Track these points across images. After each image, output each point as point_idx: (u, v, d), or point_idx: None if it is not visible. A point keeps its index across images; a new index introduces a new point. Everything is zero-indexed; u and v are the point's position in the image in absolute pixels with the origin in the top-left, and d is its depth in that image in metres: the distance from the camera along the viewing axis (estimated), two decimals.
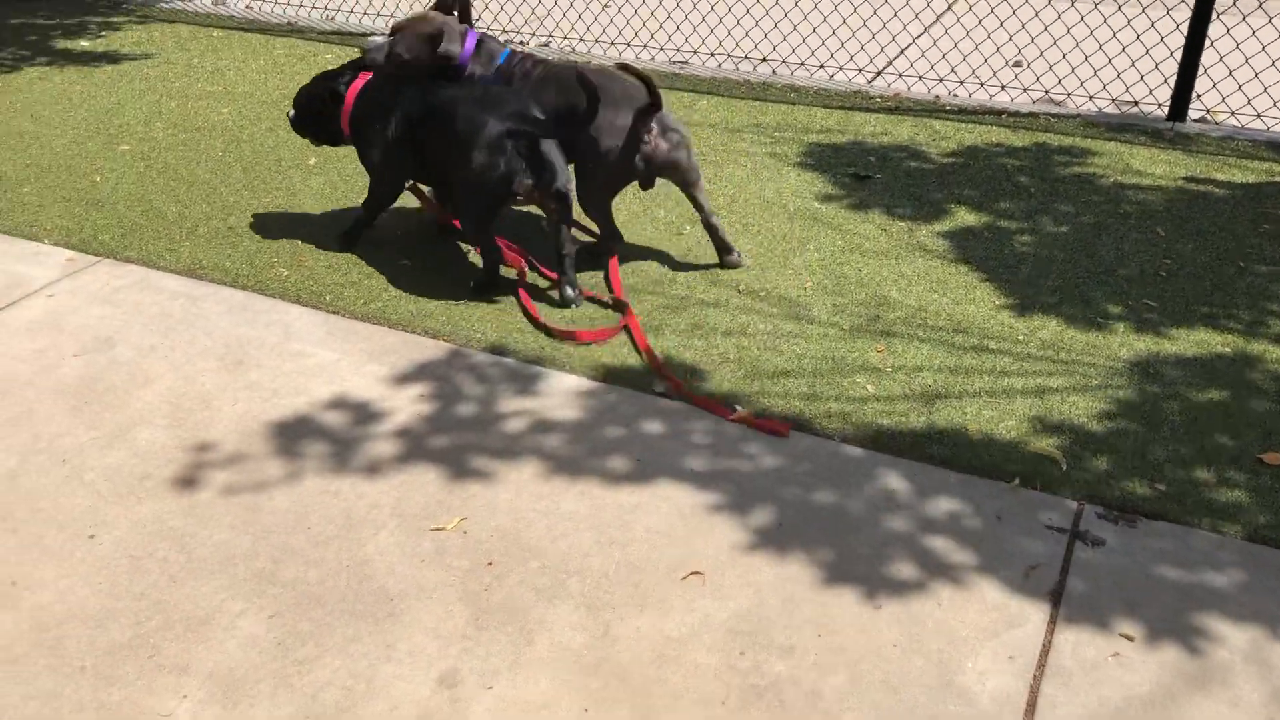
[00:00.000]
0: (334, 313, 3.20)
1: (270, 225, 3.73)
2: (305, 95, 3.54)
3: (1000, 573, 2.21)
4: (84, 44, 5.69)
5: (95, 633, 2.09)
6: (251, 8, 6.53)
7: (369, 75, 3.48)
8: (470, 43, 3.41)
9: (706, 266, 3.44)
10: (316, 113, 3.51)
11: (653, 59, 5.48)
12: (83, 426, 2.69)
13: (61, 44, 5.69)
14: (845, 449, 2.58)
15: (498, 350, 3.00)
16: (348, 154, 4.29)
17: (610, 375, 2.87)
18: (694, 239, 3.62)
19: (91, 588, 2.20)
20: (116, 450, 2.60)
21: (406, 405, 2.77)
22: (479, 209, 3.21)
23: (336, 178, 4.12)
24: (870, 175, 4.09)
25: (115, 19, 6.18)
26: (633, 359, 2.95)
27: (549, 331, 3.07)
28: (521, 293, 3.24)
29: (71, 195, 3.96)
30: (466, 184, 3.17)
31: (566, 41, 5.76)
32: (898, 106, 4.80)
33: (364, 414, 2.74)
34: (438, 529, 2.35)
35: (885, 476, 2.49)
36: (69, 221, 3.76)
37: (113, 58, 5.47)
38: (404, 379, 2.88)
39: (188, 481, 2.50)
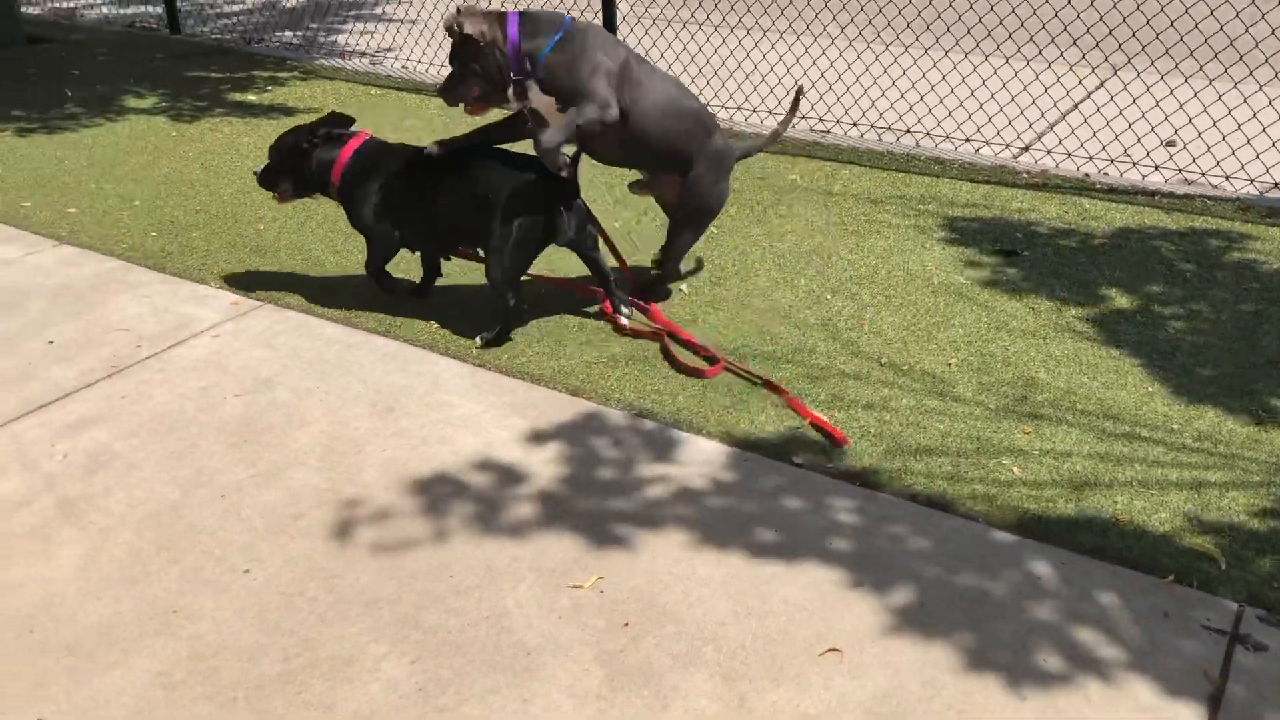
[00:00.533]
0: (479, 366, 3.30)
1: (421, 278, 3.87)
2: (289, 145, 3.62)
3: (1154, 672, 2.13)
4: (252, 98, 6.04)
5: (247, 665, 2.18)
6: (406, 67, 6.83)
7: (365, 135, 3.62)
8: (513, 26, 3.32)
9: (848, 336, 3.44)
10: (299, 160, 3.58)
11: (794, 127, 5.54)
12: (242, 464, 2.82)
13: (232, 97, 6.04)
14: (991, 532, 2.54)
15: (637, 412, 3.04)
16: None
17: (749, 443, 2.89)
18: (835, 307, 3.63)
19: (245, 621, 2.30)
20: (272, 489, 2.72)
21: (547, 461, 2.82)
22: (519, 264, 3.38)
23: None
24: (1017, 252, 4.04)
25: (281, 74, 6.54)
26: (771, 427, 2.96)
27: (699, 373, 3.14)
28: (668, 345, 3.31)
29: (237, 241, 4.18)
30: (507, 241, 3.31)
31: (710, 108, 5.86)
32: (1045, 183, 4.74)
33: (505, 467, 2.80)
34: (575, 586, 2.38)
35: (1032, 562, 2.43)
36: (234, 266, 3.97)
37: (277, 112, 5.78)
38: (545, 434, 2.94)
39: (338, 524, 2.60)
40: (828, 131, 5.47)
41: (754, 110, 5.78)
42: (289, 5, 8.67)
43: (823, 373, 3.24)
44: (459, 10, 3.40)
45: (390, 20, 8.17)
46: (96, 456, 2.86)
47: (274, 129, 5.46)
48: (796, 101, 3.71)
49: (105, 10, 8.47)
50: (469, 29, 3.33)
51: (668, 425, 2.98)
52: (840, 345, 3.40)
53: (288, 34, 7.73)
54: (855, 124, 5.58)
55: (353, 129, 3.67)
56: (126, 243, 4.16)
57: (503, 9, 3.40)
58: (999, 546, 2.49)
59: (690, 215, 3.62)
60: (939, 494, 2.67)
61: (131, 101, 5.93)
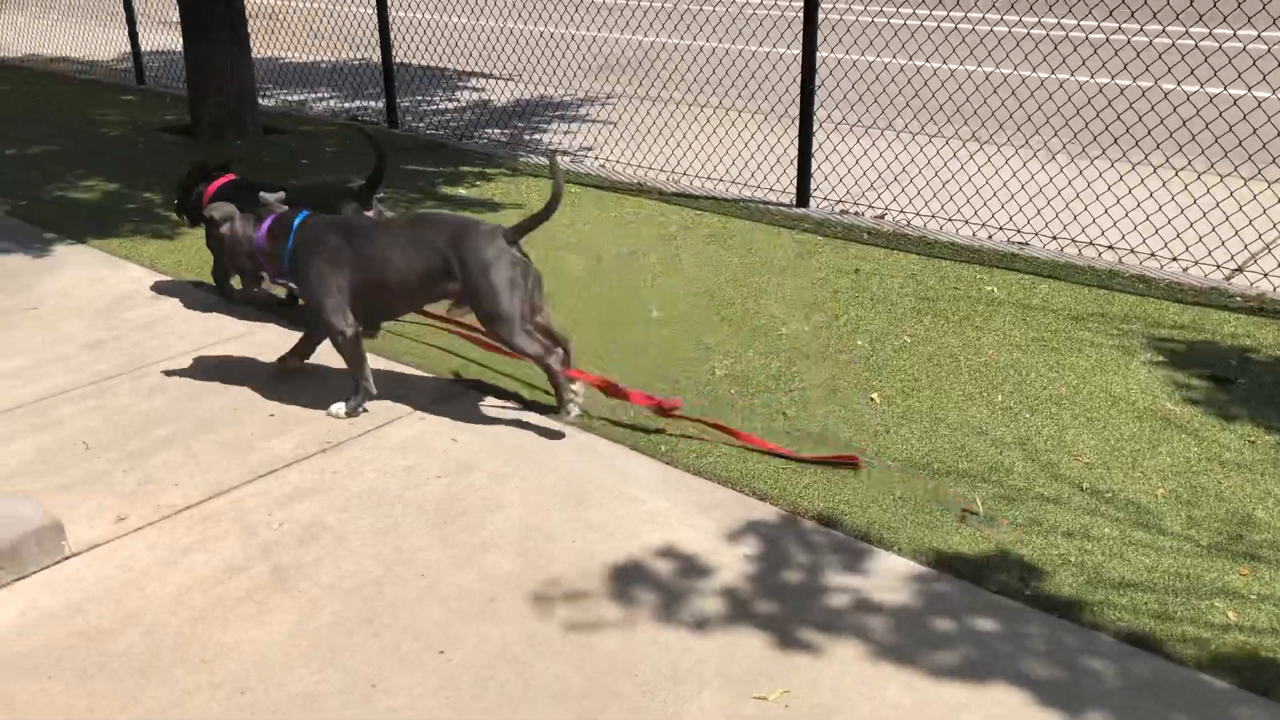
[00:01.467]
0: (668, 463, 3.36)
1: (616, 371, 3.99)
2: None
3: None
4: (463, 192, 6.39)
5: None
6: (605, 166, 7.10)
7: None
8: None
9: (1047, 458, 3.35)
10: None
11: (990, 238, 5.48)
12: (440, 544, 2.95)
13: (445, 190, 6.41)
14: (1200, 677, 2.40)
15: (825, 520, 3.04)
16: (691, 312, 4.54)
17: (942, 561, 2.83)
18: (1033, 426, 3.54)
19: (439, 700, 2.38)
20: (468, 571, 2.83)
21: (733, 563, 2.84)
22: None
23: (675, 332, 4.36)
24: (1231, 379, 3.86)
25: (489, 170, 6.91)
26: (965, 546, 2.90)
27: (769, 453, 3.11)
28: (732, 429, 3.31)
29: (442, 333, 4.41)
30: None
31: (903, 216, 5.87)
32: (1262, 308, 4.53)
33: (692, 567, 2.83)
34: (760, 697, 2.37)
35: (1248, 715, 2.28)
36: (439, 353, 4.18)
37: (485, 206, 6.10)
38: (732, 536, 2.96)
39: (529, 611, 2.67)
40: (1026, 244, 5.39)
41: (949, 219, 5.75)
42: (498, 104, 9.18)
43: (1019, 494, 3.16)
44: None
45: (590, 121, 8.53)
46: (309, 528, 3.04)
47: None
48: (553, 164, 3.63)
49: (331, 103, 9.16)
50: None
51: (857, 537, 2.96)
52: (1038, 466, 3.31)
53: (495, 131, 8.17)
54: (1055, 237, 5.48)
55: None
56: None
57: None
58: (1212, 694, 2.35)
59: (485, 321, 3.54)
60: (1144, 631, 2.55)
61: None
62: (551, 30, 12.24)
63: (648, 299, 4.71)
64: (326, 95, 9.52)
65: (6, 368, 4.05)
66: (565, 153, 7.41)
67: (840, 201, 6.18)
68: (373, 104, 8.89)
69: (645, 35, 10.79)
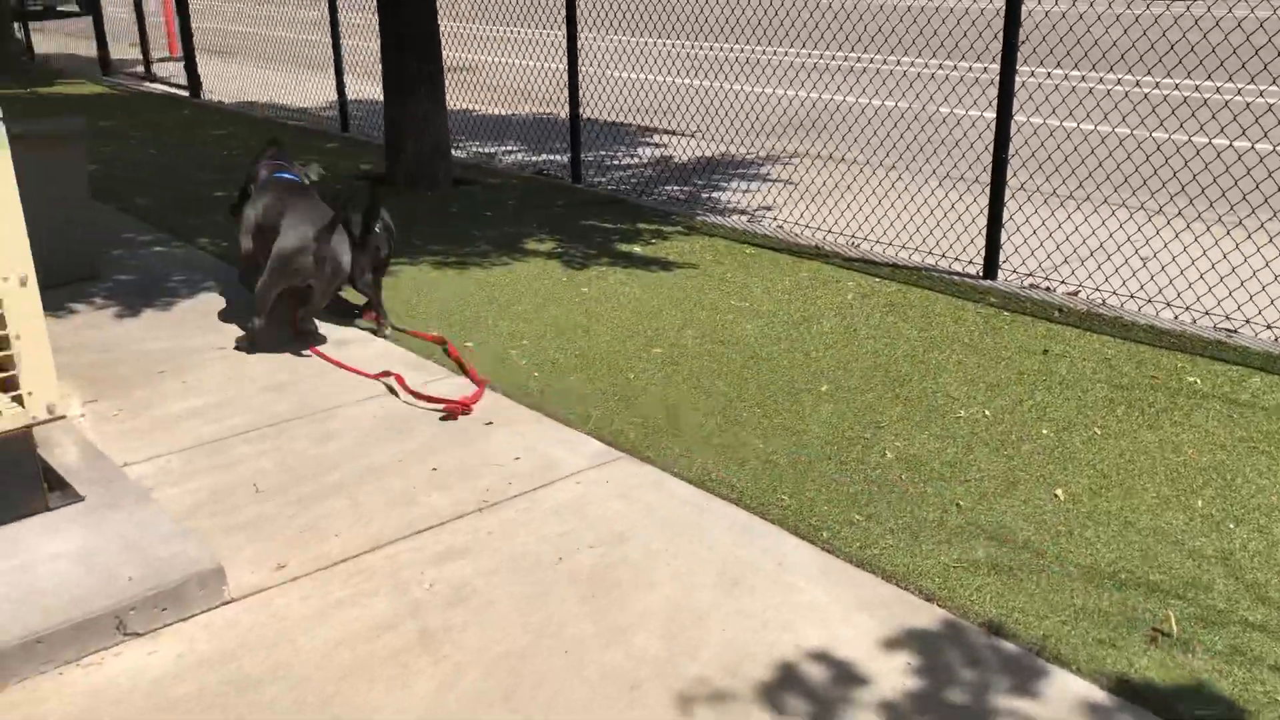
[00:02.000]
0: (829, 550, 3.21)
1: (777, 449, 3.86)
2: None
3: None
4: (637, 249, 6.41)
5: None
6: (782, 227, 7.01)
7: None
8: None
9: (1255, 577, 3.03)
10: None
11: (1194, 322, 5.10)
12: (588, 618, 2.88)
13: (619, 247, 6.44)
14: None
15: (996, 629, 2.82)
16: (863, 386, 4.38)
17: (1126, 688, 2.58)
18: (1238, 539, 3.22)
19: None
20: (614, 650, 2.74)
21: (893, 674, 2.66)
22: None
23: (845, 407, 4.20)
24: None
25: (665, 229, 6.91)
26: (1154, 670, 2.63)
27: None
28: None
29: (606, 389, 4.38)
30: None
31: (1098, 293, 5.54)
32: None
33: (848, 674, 2.67)
34: None
35: None
36: (601, 413, 4.15)
37: (658, 265, 6.09)
38: (892, 641, 2.79)
39: (673, 701, 2.56)
40: (1235, 331, 4.99)
41: (1148, 299, 5.39)
42: (680, 160, 9.23)
43: (1219, 616, 2.86)
44: None
45: (771, 180, 8.47)
46: (459, 589, 3.03)
47: (653, 281, 5.74)
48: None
49: (519, 156, 9.40)
50: None
51: (1031, 651, 2.73)
52: (1243, 586, 3.00)
53: (675, 188, 8.20)
54: (1269, 325, 5.05)
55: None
56: (512, 380, 4.47)
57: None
58: None
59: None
60: None
61: (531, 244, 6.47)
62: (738, 88, 12.27)
63: (818, 370, 4.57)
64: (515, 149, 9.78)
65: (195, 405, 4.23)
66: (743, 212, 7.36)
67: (1030, 275, 5.89)
68: (558, 158, 9.07)
69: (832, 94, 10.68)
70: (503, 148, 9.75)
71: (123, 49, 15.72)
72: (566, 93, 8.14)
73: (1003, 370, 4.55)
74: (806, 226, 6.94)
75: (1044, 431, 3.99)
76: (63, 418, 3.20)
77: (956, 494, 3.56)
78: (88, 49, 14.69)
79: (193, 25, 12.71)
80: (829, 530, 3.32)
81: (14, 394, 3.10)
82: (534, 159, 9.25)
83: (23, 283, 3.04)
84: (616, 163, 9.19)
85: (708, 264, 6.09)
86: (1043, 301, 5.42)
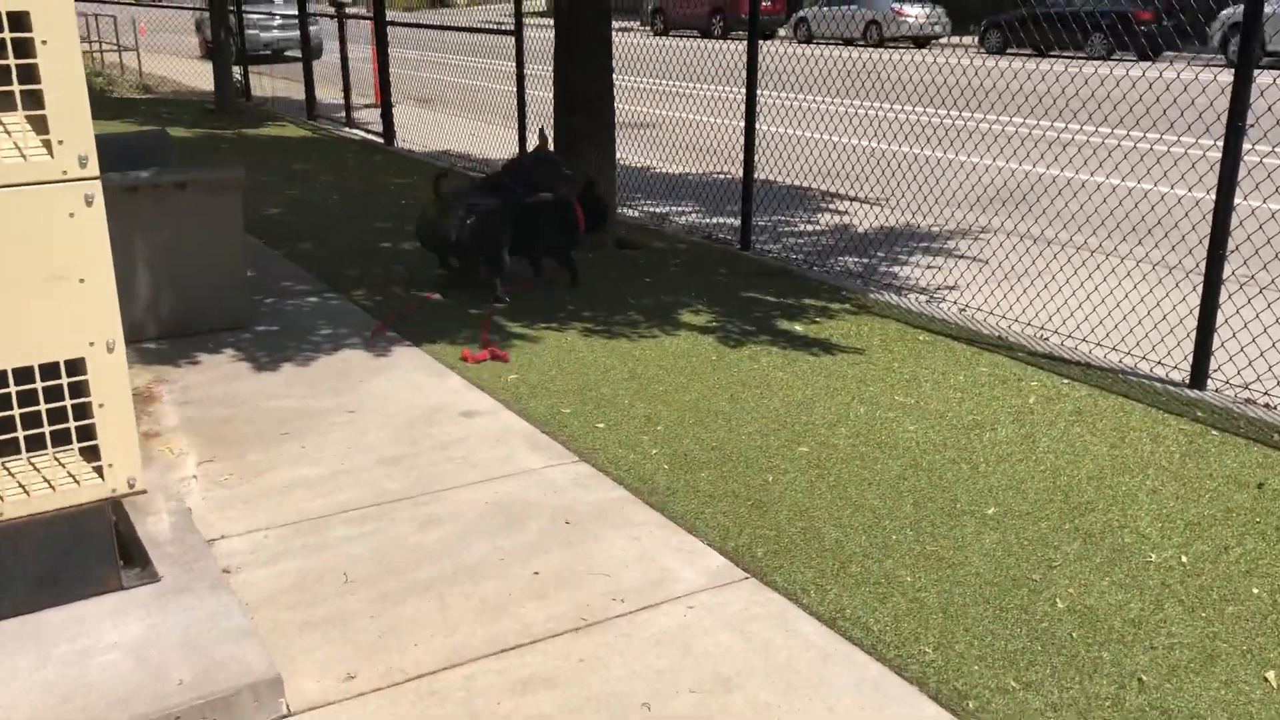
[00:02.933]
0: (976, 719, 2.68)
1: (926, 584, 3.35)
2: None
3: None
4: (798, 328, 5.96)
5: None
6: (964, 311, 6.43)
7: None
8: None
9: None
10: None
11: None
12: None
13: (780, 324, 6.01)
14: None
15: None
16: (1036, 513, 3.81)
17: None
18: None
19: None
20: None
21: None
22: None
23: (1013, 538, 3.64)
24: None
25: (833, 305, 6.44)
26: None
27: None
28: None
29: (740, 491, 3.96)
30: None
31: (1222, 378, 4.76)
32: None
33: None
34: None
35: None
36: (729, 520, 3.73)
37: (819, 347, 5.63)
38: None
39: None
40: None
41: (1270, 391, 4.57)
42: (859, 230, 8.74)
43: None
44: None
45: (956, 256, 7.87)
46: None
47: (810, 366, 5.28)
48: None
49: (691, 218, 9.11)
50: None
51: None
52: None
53: (851, 260, 7.72)
54: None
55: None
56: (638, 472, 4.11)
57: None
58: None
59: None
60: None
61: (686, 316, 6.12)
62: (928, 153, 11.67)
63: (984, 488, 4.01)
64: (688, 209, 9.49)
65: (307, 475, 4.04)
66: (922, 291, 6.81)
67: (1247, 387, 5.13)
68: (730, 220, 8.72)
69: (1033, 165, 9.97)
70: (675, 207, 9.48)
71: (334, 92, 16.40)
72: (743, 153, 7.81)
73: (1206, 505, 3.89)
74: (990, 313, 6.34)
75: (1254, 590, 3.33)
76: (143, 492, 3.01)
77: (1139, 664, 2.96)
78: (302, 91, 15.37)
79: (402, 73, 13.04)
80: (977, 699, 2.79)
81: (95, 464, 2.94)
82: (706, 221, 8.93)
83: (110, 348, 2.88)
84: (791, 229, 8.78)
85: (875, 350, 5.59)
86: (1260, 421, 4.69)
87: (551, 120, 7.62)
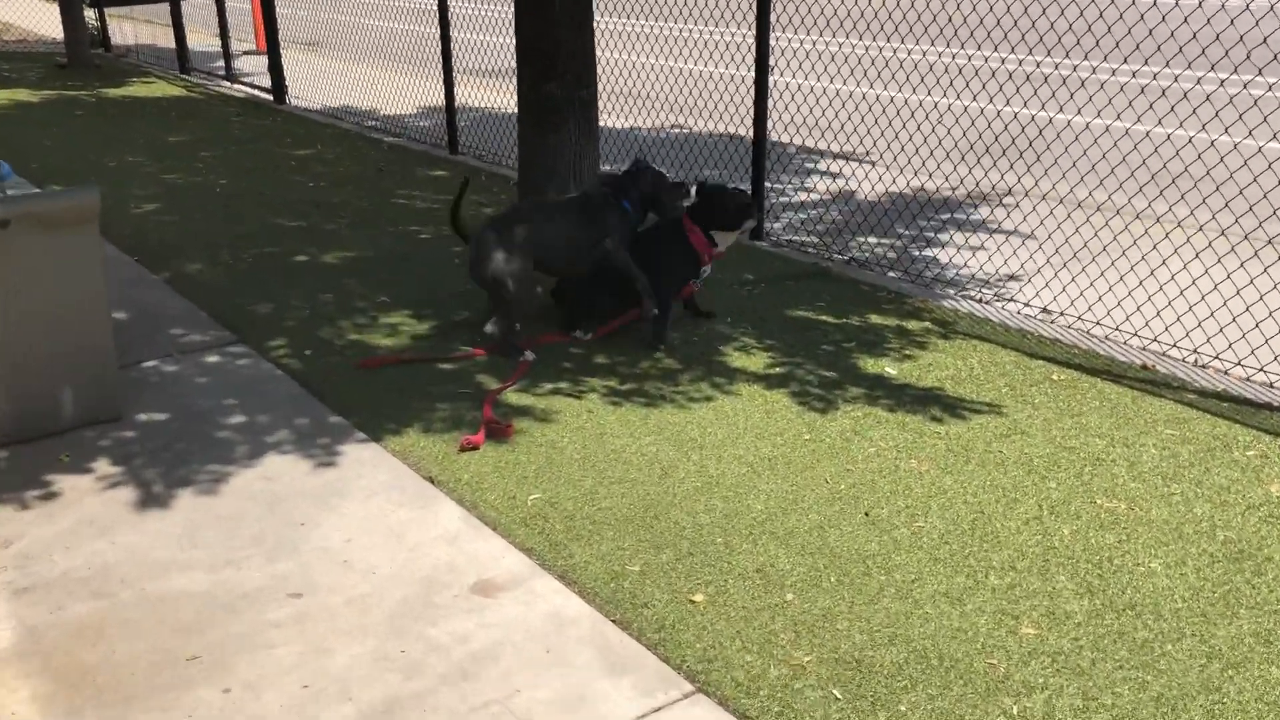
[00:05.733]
0: None
1: None
2: None
3: None
4: (889, 367, 4.35)
5: None
6: (1058, 318, 4.92)
7: None
8: None
9: None
10: None
11: None
12: None
13: (862, 364, 4.38)
14: None
15: None
16: None
17: None
18: None
19: None
20: None
21: None
22: None
23: None
24: None
25: (909, 325, 4.84)
26: None
27: None
28: None
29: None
30: None
31: None
32: None
33: None
34: None
35: None
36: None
37: (937, 405, 4.03)
38: None
39: None
40: None
41: None
42: (865, 197, 7.15)
43: None
44: None
45: (993, 230, 6.32)
46: None
47: (946, 447, 3.67)
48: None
49: None
50: None
51: None
52: None
53: (874, 241, 6.18)
54: None
55: None
56: (795, 707, 2.47)
57: None
58: None
59: None
60: None
61: (734, 357, 4.45)
62: (901, 96, 10.03)
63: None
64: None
65: None
66: (986, 284, 5.26)
67: None
68: None
69: (1040, 109, 8.44)
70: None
71: (208, 38, 14.01)
72: (735, 110, 6.09)
73: None
74: (1096, 323, 4.82)
75: None
76: None
77: None
78: (170, 38, 13.00)
79: (282, 11, 10.85)
80: None
81: None
82: None
83: None
84: (787, 199, 7.13)
85: (1008, 403, 4.02)
86: None
87: (515, 79, 5.78)
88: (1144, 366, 4.44)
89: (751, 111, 6.07)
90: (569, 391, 4.12)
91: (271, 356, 4.41)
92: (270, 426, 3.81)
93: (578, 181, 5.65)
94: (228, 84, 11.96)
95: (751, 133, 6.11)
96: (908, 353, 4.53)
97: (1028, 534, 3.16)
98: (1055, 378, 4.28)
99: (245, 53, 13.87)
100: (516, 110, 5.68)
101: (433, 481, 3.45)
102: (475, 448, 3.66)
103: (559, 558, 3.04)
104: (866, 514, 3.26)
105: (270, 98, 10.92)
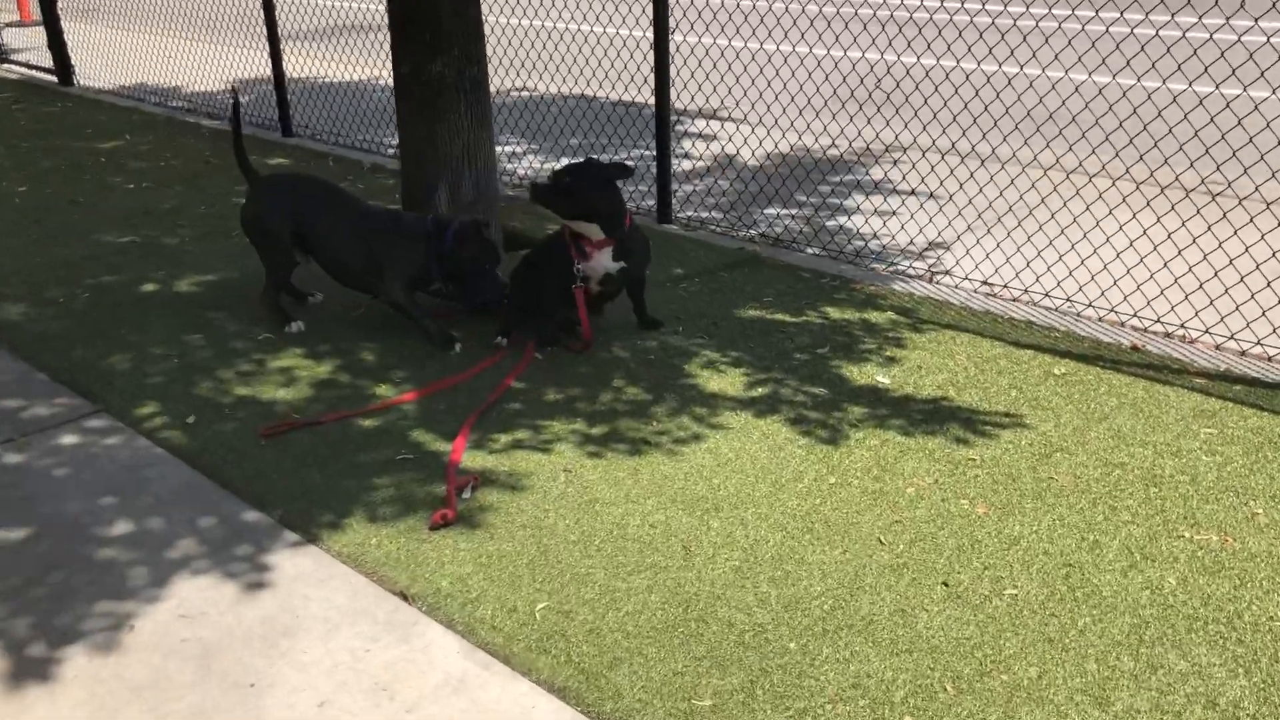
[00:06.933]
0: None
1: None
2: None
3: None
4: (879, 375, 3.81)
5: None
6: (1016, 297, 4.54)
7: None
8: None
9: None
10: None
11: None
12: None
13: (848, 374, 3.82)
14: None
15: None
16: None
17: None
18: None
19: None
20: None
21: None
22: None
23: None
24: None
25: (873, 318, 4.32)
26: None
27: None
28: None
29: None
30: None
31: None
32: None
33: None
34: None
35: None
36: None
37: (952, 421, 3.53)
38: None
39: None
40: None
41: None
42: (747, 161, 6.61)
43: None
44: None
45: (894, 191, 5.91)
46: None
47: (987, 479, 3.17)
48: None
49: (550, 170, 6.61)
50: None
51: None
52: None
53: (778, 213, 5.68)
54: None
55: None
56: None
57: None
58: None
59: None
60: None
61: (707, 379, 3.82)
62: (777, 49, 9.50)
63: None
64: (537, 155, 6.98)
65: None
66: (918, 256, 4.82)
67: None
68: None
69: (899, 54, 8.05)
70: (524, 159, 6.93)
71: None
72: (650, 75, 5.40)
73: None
74: (1067, 300, 4.44)
75: None
76: None
77: None
78: None
79: None
80: None
81: None
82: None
83: None
84: (675, 169, 6.51)
85: (1023, 407, 3.56)
86: None
87: (389, 58, 4.91)
88: (1134, 348, 4.08)
89: (652, 79, 5.39)
90: (531, 443, 3.40)
91: (144, 429, 3.49)
92: (169, 535, 2.94)
93: (473, 174, 4.86)
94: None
95: (653, 100, 5.43)
96: (888, 354, 4.01)
97: (1132, 590, 2.69)
98: (1056, 372, 3.85)
99: (10, 24, 12.11)
100: (394, 93, 4.82)
101: (406, 598, 2.69)
102: (448, 522, 2.94)
103: (604, 697, 2.36)
104: (945, 584, 2.71)
105: (54, 79, 9.44)
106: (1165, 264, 4.58)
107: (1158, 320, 4.26)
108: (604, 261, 3.98)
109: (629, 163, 4.22)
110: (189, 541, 2.91)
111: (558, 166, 4.06)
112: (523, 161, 6.83)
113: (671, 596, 2.68)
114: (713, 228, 5.52)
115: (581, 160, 3.98)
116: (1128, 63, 5.48)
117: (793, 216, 5.70)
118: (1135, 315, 4.33)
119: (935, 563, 2.79)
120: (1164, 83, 5.38)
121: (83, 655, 2.50)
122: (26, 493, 3.14)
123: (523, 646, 2.51)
